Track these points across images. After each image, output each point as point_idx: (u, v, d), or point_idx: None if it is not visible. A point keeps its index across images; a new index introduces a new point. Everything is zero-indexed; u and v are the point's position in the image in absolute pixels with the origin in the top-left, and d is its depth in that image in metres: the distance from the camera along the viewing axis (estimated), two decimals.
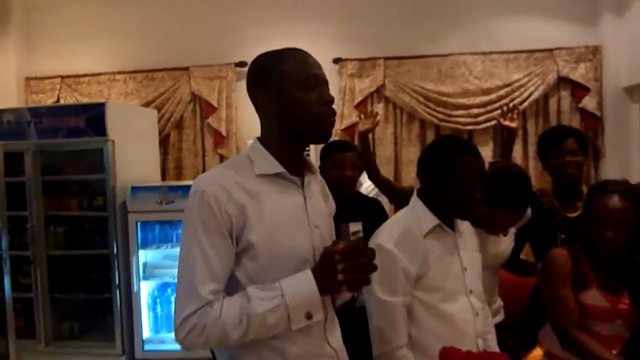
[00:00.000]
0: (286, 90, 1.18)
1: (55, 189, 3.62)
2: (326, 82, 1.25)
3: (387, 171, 4.03)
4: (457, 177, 1.52)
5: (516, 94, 4.00)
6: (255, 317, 1.07)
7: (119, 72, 4.52)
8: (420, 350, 1.51)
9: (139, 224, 3.42)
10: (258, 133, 1.29)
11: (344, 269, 1.09)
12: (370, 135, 3.13)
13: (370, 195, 2.86)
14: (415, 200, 1.61)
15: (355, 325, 1.61)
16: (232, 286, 1.14)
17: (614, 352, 1.75)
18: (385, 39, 4.17)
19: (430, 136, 4.11)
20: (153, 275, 3.48)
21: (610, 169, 3.89)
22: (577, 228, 1.94)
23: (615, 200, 1.72)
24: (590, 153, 3.91)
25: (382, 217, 2.41)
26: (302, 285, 1.10)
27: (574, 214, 2.11)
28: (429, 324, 1.51)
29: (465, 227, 1.67)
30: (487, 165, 1.98)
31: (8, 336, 3.55)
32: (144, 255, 3.49)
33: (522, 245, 2.24)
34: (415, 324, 1.52)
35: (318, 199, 1.33)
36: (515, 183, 1.79)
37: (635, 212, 1.73)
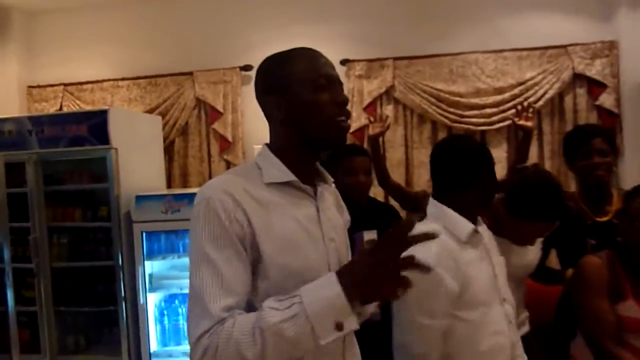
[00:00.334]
0: (295, 92, 1.10)
1: (58, 200, 3.53)
2: (339, 83, 1.15)
3: (398, 175, 3.92)
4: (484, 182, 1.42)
5: (530, 92, 3.88)
6: (269, 330, 0.91)
7: (122, 79, 4.44)
8: None
9: (144, 234, 3.32)
10: (265, 138, 1.19)
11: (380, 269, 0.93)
12: (380, 139, 3.01)
13: None
14: (439, 208, 1.48)
15: (372, 339, 1.50)
16: None
17: None
18: (393, 39, 4.07)
19: (442, 137, 3.97)
20: (160, 286, 3.38)
21: (629, 168, 3.76)
22: (608, 233, 1.83)
23: None
24: None
25: None
26: (323, 288, 0.93)
27: (604, 218, 1.99)
28: (467, 339, 1.38)
29: (483, 227, 1.55)
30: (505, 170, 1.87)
31: (12, 351, 3.47)
32: (150, 266, 3.39)
33: (548, 252, 2.11)
34: (452, 340, 1.38)
35: (332, 210, 1.23)
36: (544, 191, 1.65)
37: None
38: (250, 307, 1.02)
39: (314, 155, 1.18)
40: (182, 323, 3.42)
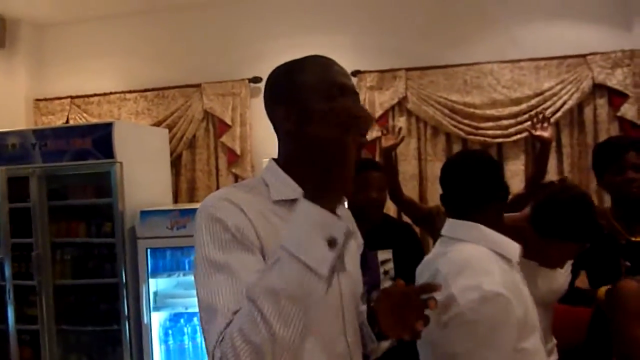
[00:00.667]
0: (305, 102, 1.00)
1: (61, 215, 3.45)
2: (354, 93, 1.05)
3: (411, 189, 3.79)
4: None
5: (548, 103, 3.73)
6: (259, 294, 0.77)
7: (129, 91, 4.38)
8: None
9: (149, 250, 3.22)
10: (274, 151, 1.09)
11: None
12: (393, 152, 2.89)
13: None
14: (475, 229, 1.31)
15: None
16: None
17: None
18: (405, 49, 3.95)
19: (457, 150, 3.85)
20: (164, 305, 3.26)
21: None
22: None
23: None
24: None
25: (415, 243, 2.17)
26: (296, 218, 0.83)
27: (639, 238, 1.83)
28: None
29: None
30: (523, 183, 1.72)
31: None
32: (155, 284, 3.28)
33: (577, 274, 1.97)
34: None
35: None
36: (577, 209, 1.50)
37: None
38: None
39: None
40: (188, 343, 3.30)
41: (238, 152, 4.12)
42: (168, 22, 4.35)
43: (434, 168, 3.87)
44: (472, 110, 3.82)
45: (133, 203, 3.28)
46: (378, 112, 3.91)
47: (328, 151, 0.98)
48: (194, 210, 3.12)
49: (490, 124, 3.80)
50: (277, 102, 1.05)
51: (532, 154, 3.79)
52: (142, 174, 3.43)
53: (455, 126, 3.83)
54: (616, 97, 3.69)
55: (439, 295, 0.96)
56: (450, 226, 1.36)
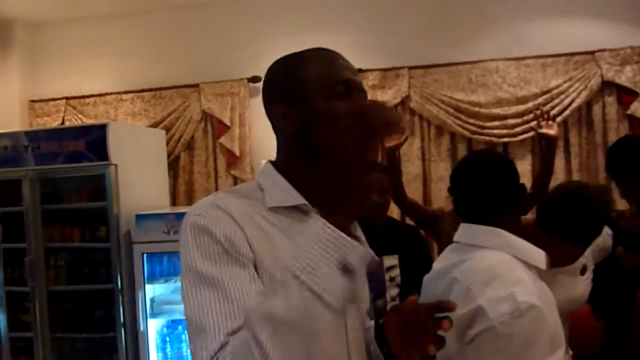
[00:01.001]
0: (306, 100, 0.90)
1: (55, 219, 3.36)
2: (361, 90, 0.94)
3: (414, 190, 3.69)
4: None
5: (556, 101, 3.63)
6: (257, 320, 0.70)
7: (126, 92, 4.29)
8: None
9: (144, 255, 3.13)
10: (274, 153, 1.00)
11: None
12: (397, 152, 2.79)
13: None
14: (498, 235, 1.20)
15: None
16: None
17: None
18: (408, 47, 3.85)
19: (462, 150, 3.76)
20: (161, 311, 3.17)
21: None
22: None
23: None
24: None
25: (422, 248, 2.06)
26: (305, 232, 0.74)
27: None
28: None
29: None
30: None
31: None
32: (151, 290, 3.19)
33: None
34: None
35: None
36: (575, 205, 1.40)
37: None
38: None
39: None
40: (186, 351, 3.20)
41: (237, 153, 4.03)
42: (165, 21, 4.26)
43: (438, 169, 3.78)
44: (477, 109, 3.72)
45: (129, 206, 3.18)
46: None
47: (330, 156, 0.89)
48: None
49: (496, 123, 3.71)
50: (276, 100, 0.95)
51: (539, 153, 3.69)
52: (138, 177, 3.34)
53: (459, 125, 3.73)
54: (626, 94, 3.60)
55: (462, 309, 0.86)
56: (467, 232, 1.25)
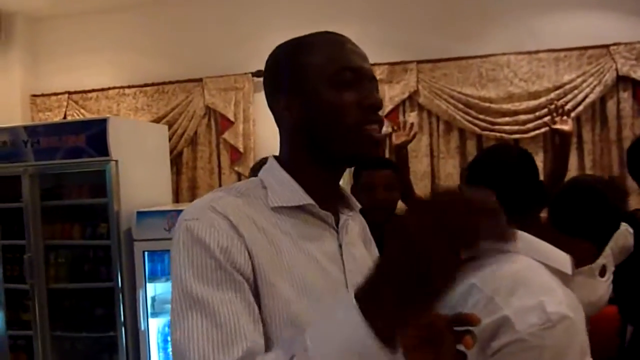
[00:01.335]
0: (310, 89, 0.82)
1: (55, 215, 3.29)
2: (372, 79, 0.85)
3: (422, 188, 3.60)
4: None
5: (569, 96, 3.53)
6: None
7: (129, 86, 4.23)
8: None
9: (146, 253, 3.06)
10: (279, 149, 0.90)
11: None
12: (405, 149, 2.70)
13: None
14: (519, 236, 1.08)
15: None
16: None
17: None
18: (417, 40, 3.76)
19: (471, 147, 3.67)
20: (162, 311, 3.10)
21: None
22: None
23: None
24: None
25: None
26: (335, 323, 0.60)
27: None
28: None
29: None
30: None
31: None
32: (152, 289, 3.13)
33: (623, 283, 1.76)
34: None
35: (359, 246, 0.93)
36: (590, 201, 1.30)
37: None
38: None
39: (335, 172, 0.89)
40: None
41: (241, 149, 3.95)
42: (168, 14, 4.18)
43: (447, 166, 3.69)
44: (487, 104, 3.63)
45: (130, 203, 3.11)
46: (388, 107, 3.72)
47: (338, 149, 0.82)
48: None
49: (507, 119, 3.61)
50: (277, 90, 0.87)
51: (552, 150, 3.59)
52: (140, 173, 3.27)
53: (469, 121, 3.63)
54: None
55: (484, 319, 0.77)
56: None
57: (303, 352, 0.60)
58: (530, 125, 3.57)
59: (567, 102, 3.42)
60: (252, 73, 3.96)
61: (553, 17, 3.63)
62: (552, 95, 3.55)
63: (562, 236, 1.28)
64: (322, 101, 0.81)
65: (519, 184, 1.12)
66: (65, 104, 4.34)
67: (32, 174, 3.19)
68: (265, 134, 3.91)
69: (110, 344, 3.13)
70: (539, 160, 3.58)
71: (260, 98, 3.98)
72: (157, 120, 4.08)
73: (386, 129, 3.56)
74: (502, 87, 3.63)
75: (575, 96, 3.52)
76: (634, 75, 3.47)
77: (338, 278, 0.83)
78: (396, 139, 2.45)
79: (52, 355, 3.26)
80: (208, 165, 4.08)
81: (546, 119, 3.32)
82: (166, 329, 3.21)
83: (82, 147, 3.07)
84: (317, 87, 0.82)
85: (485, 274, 1.01)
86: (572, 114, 3.34)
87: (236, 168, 3.99)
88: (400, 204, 2.44)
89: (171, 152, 3.99)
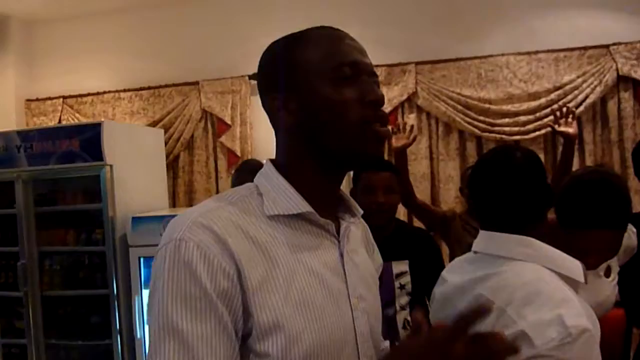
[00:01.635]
0: (307, 87, 0.77)
1: (49, 221, 3.24)
2: (372, 74, 0.81)
3: (422, 190, 3.56)
4: None
5: (569, 97, 3.49)
6: None
7: (124, 90, 4.19)
8: None
9: (141, 259, 3.00)
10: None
11: None
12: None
13: None
14: (529, 245, 1.04)
15: None
16: None
17: None
18: (415, 41, 3.73)
19: (471, 149, 3.63)
20: None
21: None
22: None
23: None
24: None
25: (434, 253, 1.93)
26: None
27: None
28: None
29: None
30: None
31: None
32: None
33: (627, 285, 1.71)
34: None
35: (361, 254, 0.88)
36: (602, 189, 1.24)
37: None
38: None
39: (336, 176, 0.84)
40: None
41: (238, 153, 3.92)
42: (164, 17, 4.14)
43: (447, 168, 3.65)
44: (487, 105, 3.59)
45: (125, 208, 3.06)
46: (387, 109, 3.64)
47: (338, 150, 0.77)
48: None
49: (507, 120, 3.57)
50: (273, 88, 0.81)
51: (552, 152, 3.57)
52: (135, 178, 3.21)
53: (469, 123, 3.60)
54: None
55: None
56: (490, 241, 1.09)
57: None
58: (530, 127, 3.53)
59: (567, 103, 3.38)
60: (249, 76, 3.92)
61: (552, 18, 3.59)
62: (552, 96, 3.52)
63: (577, 232, 1.22)
64: (321, 99, 0.77)
65: (527, 187, 1.07)
66: (60, 108, 4.30)
67: (26, 180, 3.14)
68: (263, 137, 3.87)
69: (106, 352, 3.07)
70: None
71: (258, 101, 3.89)
72: (154, 124, 4.03)
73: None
74: (502, 88, 3.60)
75: (576, 97, 3.49)
76: (634, 75, 3.43)
77: (339, 289, 0.78)
78: (396, 142, 2.41)
79: None
80: (205, 170, 4.03)
81: (547, 119, 3.29)
82: None
83: (76, 152, 3.02)
84: (315, 84, 0.77)
85: (494, 283, 0.95)
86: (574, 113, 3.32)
87: (233, 172, 3.95)
88: (401, 207, 2.40)
89: (167, 156, 3.94)
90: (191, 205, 3.87)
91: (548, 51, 3.55)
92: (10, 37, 4.26)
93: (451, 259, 2.25)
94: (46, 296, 3.21)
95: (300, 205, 0.77)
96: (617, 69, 3.44)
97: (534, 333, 0.88)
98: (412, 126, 2.45)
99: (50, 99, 4.32)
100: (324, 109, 0.77)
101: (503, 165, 1.10)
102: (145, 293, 3.03)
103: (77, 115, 4.25)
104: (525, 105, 3.56)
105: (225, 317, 0.68)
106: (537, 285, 0.95)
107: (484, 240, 1.10)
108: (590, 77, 3.48)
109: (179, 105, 4.06)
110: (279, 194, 0.78)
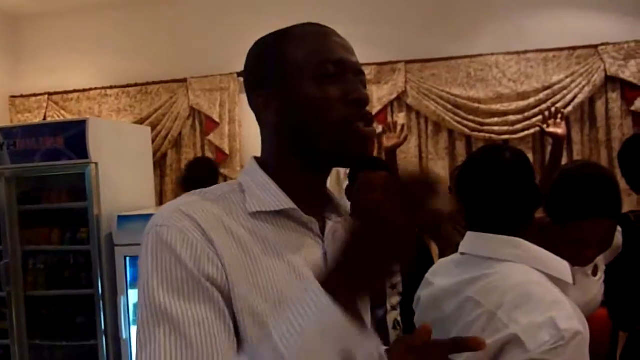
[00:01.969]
0: (291, 84, 0.76)
1: (33, 220, 3.19)
2: (358, 72, 0.79)
3: None
4: None
5: (557, 97, 3.50)
6: None
7: (111, 87, 4.13)
8: None
9: (127, 259, 2.96)
10: None
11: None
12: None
13: None
14: (516, 244, 1.03)
15: None
16: None
17: None
18: (405, 40, 3.71)
19: (461, 148, 3.63)
20: None
21: None
22: None
23: None
24: None
25: (425, 253, 1.91)
26: (310, 317, 0.57)
27: None
28: None
29: None
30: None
31: None
32: (134, 296, 3.01)
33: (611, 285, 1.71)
34: None
35: None
36: (594, 179, 1.23)
37: None
38: None
39: (320, 174, 0.83)
40: None
41: (227, 151, 3.88)
42: (151, 13, 4.09)
43: (437, 167, 3.64)
44: (476, 105, 3.59)
45: (111, 207, 3.02)
46: (376, 108, 3.67)
47: (322, 149, 0.75)
48: None
49: (496, 119, 3.57)
50: (258, 85, 0.80)
51: (541, 152, 3.58)
52: (121, 176, 3.17)
53: (458, 122, 3.60)
54: (630, 90, 3.48)
55: (487, 338, 0.71)
56: (478, 242, 1.07)
57: (272, 352, 0.56)
58: (519, 126, 3.54)
59: (555, 103, 3.41)
60: (237, 73, 3.88)
61: (541, 17, 3.60)
62: (541, 95, 3.52)
63: (572, 224, 1.20)
64: (304, 97, 0.75)
65: (515, 187, 1.06)
66: (45, 105, 4.23)
67: (9, 177, 3.08)
68: (252, 135, 3.83)
69: (91, 353, 3.03)
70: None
71: (246, 98, 3.91)
72: (141, 122, 3.98)
73: (375, 128, 3.51)
74: (491, 87, 3.60)
75: (564, 96, 3.50)
76: (622, 76, 3.45)
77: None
78: (387, 142, 2.41)
79: None
80: None
81: (536, 119, 3.30)
82: None
83: (60, 150, 2.97)
84: (299, 81, 0.76)
85: (484, 286, 0.94)
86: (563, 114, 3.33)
87: (222, 170, 3.90)
88: None
89: (155, 154, 3.90)
90: None
91: (537, 51, 3.56)
92: None
93: (441, 258, 2.24)
94: (30, 296, 3.15)
95: (282, 201, 0.76)
96: (605, 70, 3.46)
97: (527, 337, 0.87)
98: (402, 125, 2.44)
99: (35, 95, 4.25)
100: (307, 107, 0.75)
101: (491, 165, 1.08)
102: (132, 293, 2.99)
103: (62, 112, 4.18)
104: (514, 105, 3.56)
105: (218, 297, 0.66)
106: (527, 288, 0.94)
107: (471, 241, 1.09)
108: (579, 77, 3.50)
109: (166, 103, 4.01)
110: (262, 190, 0.77)
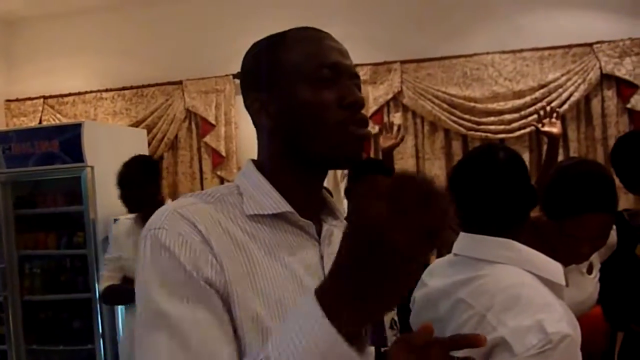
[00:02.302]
0: (286, 88, 0.76)
1: (29, 224, 3.20)
2: (353, 76, 0.79)
3: None
4: None
5: (553, 95, 3.50)
6: None
7: (106, 90, 4.12)
8: None
9: None
10: None
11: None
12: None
13: None
14: (509, 246, 1.02)
15: None
16: None
17: None
18: (400, 40, 3.71)
19: (457, 147, 3.62)
20: None
21: None
22: None
23: None
24: None
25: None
26: (300, 327, 0.55)
27: None
28: None
29: None
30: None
31: None
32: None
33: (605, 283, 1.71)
34: None
35: None
36: (589, 175, 1.23)
37: None
38: None
39: (316, 177, 0.82)
40: None
41: (223, 153, 3.87)
42: (147, 15, 4.08)
43: (433, 167, 3.64)
44: (472, 104, 3.59)
45: (107, 211, 3.01)
46: (372, 108, 3.66)
47: (317, 152, 0.75)
48: None
49: (492, 118, 3.57)
50: (254, 88, 0.81)
51: (537, 150, 3.58)
52: None
53: (454, 122, 3.59)
54: (625, 87, 3.48)
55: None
56: (471, 243, 1.07)
57: None
58: (515, 125, 3.53)
59: (551, 102, 3.41)
60: (233, 75, 3.88)
61: (537, 16, 3.60)
62: (537, 94, 3.52)
63: (569, 219, 1.20)
64: (300, 101, 0.75)
65: (509, 187, 1.05)
66: (40, 108, 4.22)
67: (4, 182, 3.08)
68: (248, 136, 3.83)
69: (88, 357, 3.04)
70: (525, 159, 3.54)
71: (242, 100, 3.91)
72: (136, 125, 3.97)
73: (371, 129, 3.51)
74: (487, 86, 3.60)
75: (560, 95, 3.50)
76: (617, 73, 3.45)
77: None
78: (384, 143, 2.40)
79: None
80: (189, 170, 3.98)
81: (532, 118, 3.30)
82: None
83: (55, 153, 2.97)
84: (294, 85, 0.76)
85: (475, 288, 0.93)
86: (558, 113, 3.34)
87: (218, 172, 3.91)
88: None
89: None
90: None
91: (533, 49, 3.56)
92: None
93: (438, 258, 2.24)
94: (27, 301, 3.16)
95: (280, 204, 0.75)
96: (600, 67, 3.46)
97: (514, 340, 0.86)
98: (399, 126, 2.43)
99: (30, 99, 4.24)
100: (302, 111, 0.75)
101: (485, 165, 1.07)
102: None
103: (58, 115, 4.17)
104: (510, 104, 3.56)
105: (216, 300, 0.65)
106: (517, 290, 0.93)
107: (465, 242, 1.08)
108: (575, 75, 3.50)
109: (162, 105, 4.00)
110: (259, 193, 0.77)
